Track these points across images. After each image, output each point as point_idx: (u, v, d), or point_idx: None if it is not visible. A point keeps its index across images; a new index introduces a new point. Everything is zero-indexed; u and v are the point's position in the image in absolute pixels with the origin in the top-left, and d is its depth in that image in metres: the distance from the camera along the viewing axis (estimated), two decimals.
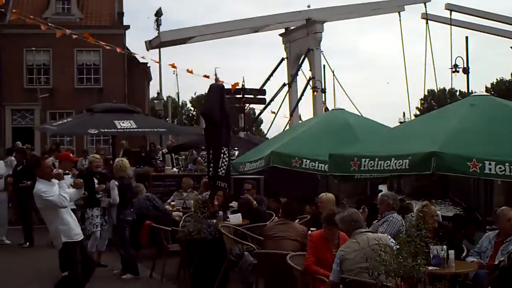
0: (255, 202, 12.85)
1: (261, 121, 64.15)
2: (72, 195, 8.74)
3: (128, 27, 38.46)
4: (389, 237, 6.99)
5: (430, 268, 6.74)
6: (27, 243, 14.87)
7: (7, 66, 36.17)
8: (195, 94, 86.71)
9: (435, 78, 31.28)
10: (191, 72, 26.04)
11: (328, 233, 7.73)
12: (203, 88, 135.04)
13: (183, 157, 27.64)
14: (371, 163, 10.05)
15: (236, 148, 20.76)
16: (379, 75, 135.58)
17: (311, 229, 9.31)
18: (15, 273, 11.76)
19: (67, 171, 9.64)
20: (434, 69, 32.15)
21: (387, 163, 9.61)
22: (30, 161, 15.65)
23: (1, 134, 35.65)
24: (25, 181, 14.71)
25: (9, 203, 16.31)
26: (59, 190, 8.39)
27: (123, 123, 17.01)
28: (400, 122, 42.66)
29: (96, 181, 11.81)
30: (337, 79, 32.32)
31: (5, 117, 36.45)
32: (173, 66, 28.35)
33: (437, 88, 45.85)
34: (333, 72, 31.87)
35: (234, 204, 13.70)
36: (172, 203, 14.88)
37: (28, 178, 14.44)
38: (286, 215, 9.48)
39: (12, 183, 15.50)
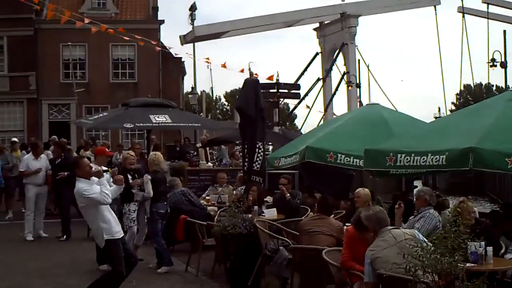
0: (288, 194, 12.86)
1: (295, 116, 64.07)
2: (112, 191, 8.83)
3: (162, 21, 38.69)
4: (417, 232, 6.94)
5: (468, 264, 6.68)
6: (64, 236, 15.08)
7: (44, 61, 36.61)
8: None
9: (472, 72, 30.71)
10: (225, 66, 26.13)
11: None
12: (237, 82, 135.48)
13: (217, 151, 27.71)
14: (407, 159, 9.99)
15: (270, 143, 20.76)
16: (414, 70, 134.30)
17: (347, 224, 9.29)
18: (53, 266, 11.90)
19: (106, 168, 9.73)
20: (470, 63, 31.61)
21: (424, 158, 9.54)
22: (67, 155, 15.88)
23: (38, 129, 36.08)
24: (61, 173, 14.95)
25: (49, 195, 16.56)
26: (100, 188, 8.50)
27: (158, 117, 17.10)
28: (436, 117, 42.27)
29: (130, 177, 11.88)
30: (371, 74, 32.19)
31: (42, 111, 36.90)
32: (208, 60, 28.48)
33: (473, 83, 45.27)
34: (368, 66, 31.72)
35: (269, 199, 13.72)
36: (207, 197, 14.95)
37: (66, 172, 14.66)
38: (321, 210, 9.49)
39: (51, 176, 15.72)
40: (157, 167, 11.79)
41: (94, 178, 8.67)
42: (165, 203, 11.72)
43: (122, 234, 9.03)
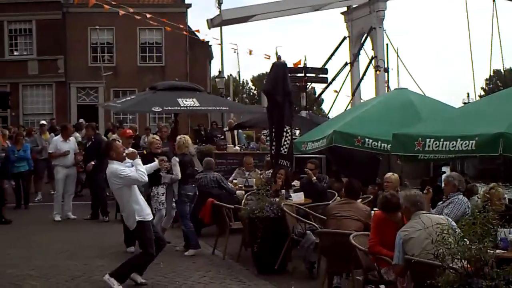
0: (314, 178, 12.84)
1: (322, 101, 63.89)
2: (147, 170, 9.02)
3: (190, 5, 38.64)
4: (450, 219, 6.89)
5: (497, 251, 6.62)
6: (107, 217, 15.27)
7: (72, 45, 36.80)
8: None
9: (502, 57, 30.26)
10: (251, 52, 26.06)
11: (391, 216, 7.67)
12: (264, 66, 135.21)
13: (244, 135, 27.72)
14: (436, 144, 9.92)
15: (297, 128, 20.70)
16: (443, 54, 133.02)
17: (374, 209, 9.25)
18: (81, 247, 12.02)
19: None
20: (501, 48, 31.17)
21: (453, 144, 9.47)
22: (98, 138, 15.99)
23: (66, 112, 36.36)
24: (92, 160, 15.08)
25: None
26: (136, 167, 8.68)
27: (186, 101, 17.11)
28: (464, 103, 41.88)
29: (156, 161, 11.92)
30: (400, 58, 31.93)
31: (70, 95, 37.15)
32: (235, 47, 28.34)
33: (503, 68, 44.77)
34: (396, 51, 31.48)
35: (296, 183, 13.71)
36: (235, 181, 14.96)
37: (96, 154, 14.76)
38: (348, 195, 9.46)
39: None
40: (185, 150, 11.81)
41: (128, 160, 8.83)
42: (193, 185, 11.76)
43: (152, 217, 9.18)
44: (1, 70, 35.74)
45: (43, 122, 22.81)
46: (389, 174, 11.12)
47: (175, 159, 11.51)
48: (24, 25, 36.90)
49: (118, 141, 11.21)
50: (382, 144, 12.22)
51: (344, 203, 9.31)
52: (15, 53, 37.33)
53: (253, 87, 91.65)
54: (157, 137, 12.78)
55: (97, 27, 35.87)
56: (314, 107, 42.71)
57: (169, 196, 11.83)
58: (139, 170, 8.67)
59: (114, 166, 8.73)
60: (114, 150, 8.87)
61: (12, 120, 34.70)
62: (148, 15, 27.54)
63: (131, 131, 14.26)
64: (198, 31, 35.32)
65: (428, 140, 10.11)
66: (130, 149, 9.53)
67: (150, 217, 9.02)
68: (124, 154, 8.92)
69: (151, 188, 11.74)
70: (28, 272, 9.96)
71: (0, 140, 17.18)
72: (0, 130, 18.91)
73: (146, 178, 8.85)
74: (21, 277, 9.61)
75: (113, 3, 26.46)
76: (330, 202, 11.15)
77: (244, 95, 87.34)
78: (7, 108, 30.60)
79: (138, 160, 8.87)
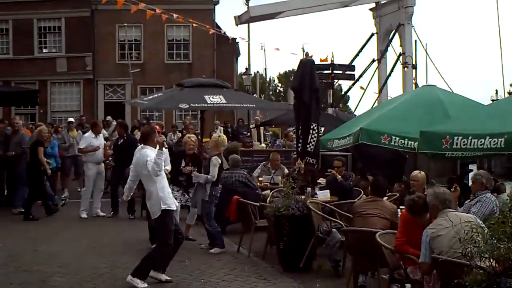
0: (339, 176, 12.78)
1: (348, 98, 63.67)
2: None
3: (217, 2, 38.64)
4: (478, 219, 6.79)
5: None
6: (132, 215, 15.34)
7: (100, 42, 37.01)
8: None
9: None
10: (278, 49, 25.97)
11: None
12: (290, 63, 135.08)
13: (270, 132, 27.71)
14: (464, 141, 9.84)
15: (322, 126, 20.64)
16: (472, 51, 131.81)
17: (400, 207, 9.17)
18: (107, 244, 12.12)
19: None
20: None
21: (481, 141, 9.38)
22: (130, 136, 16.11)
23: (94, 109, 36.59)
24: (124, 157, 15.17)
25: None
26: (155, 157, 8.75)
27: (213, 98, 17.10)
28: (493, 100, 41.40)
29: (183, 163, 11.92)
30: (428, 55, 31.62)
31: (97, 92, 37.37)
32: (262, 45, 28.27)
33: None
34: (425, 48, 31.13)
35: (322, 180, 13.66)
36: (260, 178, 14.94)
37: (128, 152, 14.83)
38: (374, 192, 9.39)
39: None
40: (221, 149, 11.79)
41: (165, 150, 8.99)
42: (220, 186, 11.80)
43: (175, 208, 9.23)
44: (30, 68, 36.08)
45: (71, 119, 22.97)
46: (415, 172, 11.03)
47: (217, 159, 11.47)
48: (53, 22, 37.19)
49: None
50: (409, 142, 12.10)
51: (370, 200, 9.26)
52: (44, 50, 37.62)
53: (280, 84, 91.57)
54: (193, 138, 12.66)
55: (125, 24, 35.98)
56: (340, 104, 42.47)
57: (198, 194, 11.76)
58: (152, 160, 8.71)
59: (147, 152, 8.90)
60: (154, 137, 9.07)
61: (40, 117, 35.00)
62: (175, 15, 27.56)
63: (158, 127, 14.29)
64: (224, 32, 35.26)
65: (456, 138, 10.02)
66: (163, 136, 9.55)
67: (174, 207, 9.13)
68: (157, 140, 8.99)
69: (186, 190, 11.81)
70: (55, 268, 10.03)
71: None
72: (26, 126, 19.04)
73: (160, 172, 8.84)
74: (49, 274, 9.68)
75: (141, 4, 26.51)
76: (356, 200, 11.08)
77: (271, 92, 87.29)
78: (35, 105, 30.85)
79: (161, 152, 8.82)
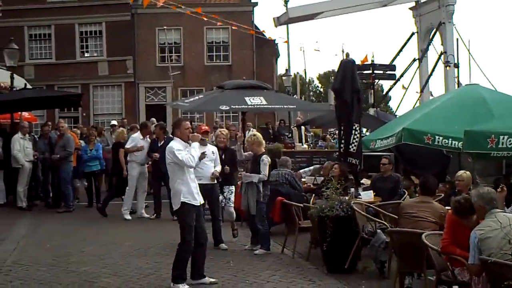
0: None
1: (390, 98, 63.23)
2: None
3: (256, 3, 38.71)
4: None
5: None
6: (154, 214, 15.60)
7: (141, 45, 37.33)
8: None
9: None
10: (318, 50, 25.90)
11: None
12: (330, 64, 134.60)
13: (311, 133, 27.67)
14: (510, 141, 9.75)
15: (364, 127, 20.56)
16: None
17: (446, 208, 9.08)
18: (152, 245, 12.21)
19: (203, 138, 10.07)
20: None
21: None
22: (170, 138, 16.22)
23: (135, 111, 36.92)
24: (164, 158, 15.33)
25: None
26: (189, 149, 8.82)
27: (253, 99, 17.14)
28: None
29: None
30: (470, 53, 31.26)
31: (139, 94, 37.70)
32: (302, 46, 28.22)
33: None
34: (467, 47, 30.77)
35: (365, 181, 13.60)
36: (303, 179, 14.93)
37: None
38: (424, 192, 9.27)
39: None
40: (259, 148, 11.81)
41: (195, 144, 9.00)
42: (269, 185, 11.85)
43: (199, 205, 9.11)
44: (72, 72, 36.61)
45: (114, 122, 23.27)
46: (460, 172, 10.94)
47: (267, 158, 11.53)
48: (94, 27, 37.60)
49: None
50: (453, 142, 11.96)
51: (420, 201, 9.12)
52: (86, 54, 38.05)
53: (319, 85, 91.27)
54: (224, 131, 12.94)
55: (165, 27, 36.22)
56: (382, 105, 42.21)
57: (249, 193, 11.71)
58: (190, 153, 8.76)
59: (175, 144, 8.96)
60: (180, 127, 9.11)
61: (83, 120, 35.48)
62: (214, 16, 27.75)
63: (207, 127, 14.40)
64: (264, 31, 35.35)
65: (501, 137, 9.91)
66: (199, 135, 9.61)
67: (196, 202, 8.99)
68: (189, 135, 9.04)
69: (221, 187, 11.89)
70: (102, 269, 10.16)
71: (76, 139, 17.68)
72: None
73: (193, 164, 8.85)
74: (95, 274, 9.81)
75: (180, 4, 26.74)
76: (400, 200, 11.01)
77: (311, 93, 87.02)
78: (78, 107, 31.32)
79: (195, 144, 8.93)
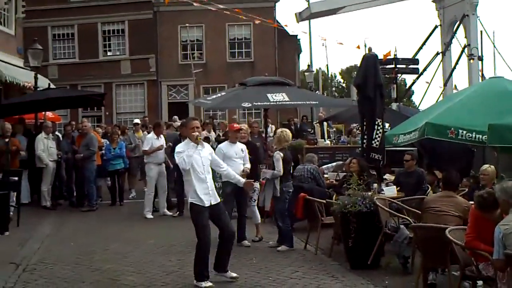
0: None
1: (413, 92, 62.90)
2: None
3: None
4: None
5: None
6: (177, 212, 15.67)
7: (163, 43, 37.49)
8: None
9: None
10: (341, 44, 25.75)
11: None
12: (352, 59, 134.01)
13: (334, 129, 27.57)
14: None
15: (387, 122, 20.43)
16: None
17: (470, 202, 8.99)
18: (175, 243, 12.25)
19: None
20: None
21: None
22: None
23: (158, 109, 37.04)
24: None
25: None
26: (188, 152, 8.77)
27: (275, 96, 17.04)
28: None
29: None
30: (495, 46, 30.96)
31: (161, 92, 37.82)
32: (323, 38, 28.17)
33: None
34: (491, 38, 30.46)
35: (388, 176, 13.51)
36: (326, 175, 14.87)
37: None
38: (447, 187, 9.19)
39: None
40: (285, 145, 11.79)
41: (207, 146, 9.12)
42: (291, 182, 11.79)
43: (209, 204, 8.93)
44: (95, 71, 36.86)
45: (137, 120, 23.35)
46: (485, 167, 10.83)
47: (279, 154, 11.51)
48: (117, 26, 37.84)
49: (207, 138, 11.37)
50: (477, 135, 11.83)
51: (444, 196, 9.03)
52: (109, 53, 38.30)
53: (342, 80, 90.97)
54: (245, 127, 12.99)
55: (187, 24, 36.34)
56: (405, 99, 41.99)
57: (266, 190, 11.75)
58: (183, 156, 8.75)
59: (180, 143, 9.09)
60: (187, 127, 9.18)
61: (106, 119, 35.68)
62: (237, 11, 27.71)
63: (238, 125, 14.35)
64: (286, 25, 35.30)
65: None
66: (205, 133, 9.58)
67: (203, 203, 8.84)
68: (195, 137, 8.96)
69: None
70: (126, 267, 10.20)
71: (99, 138, 17.79)
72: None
73: (185, 167, 8.79)
74: (119, 272, 9.85)
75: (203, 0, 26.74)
76: (424, 196, 10.92)
77: (333, 89, 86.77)
78: (101, 106, 31.51)
79: (191, 145, 8.87)
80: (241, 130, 12.48)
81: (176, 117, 24.81)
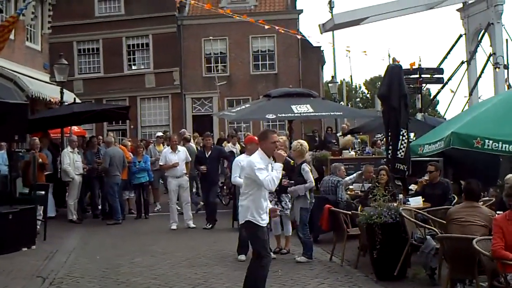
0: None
1: (437, 102, 62.53)
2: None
3: (301, 11, 38.74)
4: None
5: None
6: (209, 224, 15.57)
7: (187, 57, 37.64)
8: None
9: None
10: (365, 52, 25.65)
11: None
12: (376, 69, 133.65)
13: (358, 140, 27.45)
14: None
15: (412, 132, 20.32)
16: None
17: (497, 212, 8.90)
18: (200, 256, 12.24)
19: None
20: None
21: None
22: (216, 147, 16.44)
23: (182, 122, 37.18)
24: (213, 168, 15.56)
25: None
26: (272, 172, 8.19)
27: (300, 107, 17.11)
28: None
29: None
30: None
31: (185, 105, 37.96)
32: (348, 49, 28.17)
33: None
34: None
35: (413, 187, 13.43)
36: (351, 187, 14.82)
37: (217, 162, 15.24)
38: (468, 197, 9.09)
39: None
40: (304, 157, 11.75)
41: (278, 165, 8.28)
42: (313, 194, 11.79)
43: (265, 224, 8.45)
44: (120, 85, 37.10)
45: (159, 133, 23.49)
46: (509, 175, 10.72)
47: (307, 166, 11.49)
48: (141, 40, 38.04)
49: (232, 151, 11.30)
50: (504, 145, 11.70)
51: (467, 206, 8.94)
52: (133, 67, 38.53)
53: (366, 91, 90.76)
54: (283, 139, 12.18)
55: (211, 37, 36.50)
56: (430, 109, 41.69)
57: (297, 205, 11.62)
58: (271, 175, 8.09)
59: (255, 156, 8.34)
60: (267, 140, 8.41)
61: (131, 132, 35.90)
62: (261, 22, 27.82)
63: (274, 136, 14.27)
64: (309, 36, 35.34)
65: None
66: (282, 152, 8.86)
67: (262, 223, 8.27)
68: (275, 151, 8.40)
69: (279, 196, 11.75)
70: (152, 280, 10.22)
71: (126, 153, 17.93)
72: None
73: (273, 188, 8.29)
74: (145, 285, 9.88)
75: (227, 10, 26.89)
76: (450, 206, 10.82)
77: (358, 99, 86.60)
78: (126, 120, 31.75)
79: (279, 166, 8.28)
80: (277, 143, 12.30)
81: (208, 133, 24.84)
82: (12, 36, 19.76)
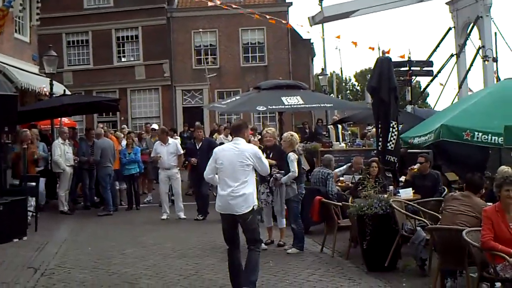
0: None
1: (427, 94, 62.73)
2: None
3: (291, 3, 38.70)
4: None
5: None
6: (201, 216, 15.59)
7: (177, 49, 37.62)
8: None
9: None
10: (355, 44, 25.68)
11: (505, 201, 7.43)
12: (366, 62, 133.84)
13: (349, 132, 27.58)
14: None
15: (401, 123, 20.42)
16: None
17: (487, 204, 8.96)
18: (191, 247, 12.28)
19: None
20: None
21: None
22: (208, 139, 16.45)
23: (172, 114, 37.16)
24: (204, 160, 15.49)
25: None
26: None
27: (290, 99, 17.13)
28: None
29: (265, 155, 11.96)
30: (509, 47, 30.79)
31: (176, 97, 37.93)
32: (338, 37, 28.05)
33: None
34: (505, 40, 30.30)
35: (403, 178, 13.51)
36: (341, 178, 14.89)
37: (206, 155, 15.22)
38: (469, 187, 9.06)
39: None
40: (293, 148, 11.79)
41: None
42: (303, 185, 11.82)
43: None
44: (110, 77, 37.04)
45: (154, 126, 23.50)
46: (503, 168, 10.78)
47: (294, 155, 11.52)
48: (131, 32, 37.93)
49: (222, 143, 11.32)
50: (493, 137, 11.75)
51: (464, 196, 8.89)
52: (123, 59, 38.44)
53: (356, 83, 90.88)
54: (271, 131, 12.60)
55: (201, 30, 36.47)
56: (419, 102, 41.84)
57: (282, 193, 11.66)
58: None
59: (256, 147, 8.90)
60: (246, 131, 8.95)
61: (121, 124, 35.83)
62: (251, 11, 27.82)
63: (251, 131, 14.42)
64: (302, 26, 35.39)
65: None
66: (222, 138, 9.51)
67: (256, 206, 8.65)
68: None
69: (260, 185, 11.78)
70: (143, 271, 10.26)
71: (116, 143, 17.93)
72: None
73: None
74: (137, 276, 9.92)
75: (217, 0, 26.82)
76: (440, 198, 10.91)
77: (348, 92, 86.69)
78: (116, 112, 31.70)
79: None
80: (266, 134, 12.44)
81: (198, 123, 24.81)
82: None
